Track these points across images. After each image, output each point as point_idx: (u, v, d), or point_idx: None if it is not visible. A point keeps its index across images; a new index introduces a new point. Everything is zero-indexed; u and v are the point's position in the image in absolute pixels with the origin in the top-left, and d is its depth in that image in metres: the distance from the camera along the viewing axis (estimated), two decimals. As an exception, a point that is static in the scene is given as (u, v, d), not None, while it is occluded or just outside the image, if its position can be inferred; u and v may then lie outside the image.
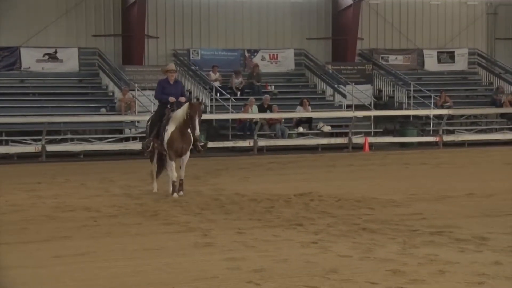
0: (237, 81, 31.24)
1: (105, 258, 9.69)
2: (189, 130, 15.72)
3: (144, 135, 18.61)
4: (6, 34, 30.30)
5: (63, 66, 30.76)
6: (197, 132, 15.45)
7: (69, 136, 27.57)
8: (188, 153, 16.02)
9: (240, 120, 28.89)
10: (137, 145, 26.22)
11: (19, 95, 29.46)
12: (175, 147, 15.69)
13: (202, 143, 16.80)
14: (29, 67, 30.34)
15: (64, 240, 10.92)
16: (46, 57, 30.56)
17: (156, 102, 18.04)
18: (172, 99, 15.98)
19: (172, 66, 17.09)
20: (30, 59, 30.33)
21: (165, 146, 15.76)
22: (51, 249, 10.25)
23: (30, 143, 26.45)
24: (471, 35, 36.76)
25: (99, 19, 31.91)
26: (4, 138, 26.73)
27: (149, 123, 16.72)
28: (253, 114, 28.72)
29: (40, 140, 26.01)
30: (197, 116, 15.34)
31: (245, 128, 28.78)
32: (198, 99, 15.63)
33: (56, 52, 30.71)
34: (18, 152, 26.04)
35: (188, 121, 15.42)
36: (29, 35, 30.64)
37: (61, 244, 10.60)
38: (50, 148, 26.12)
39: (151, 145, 16.08)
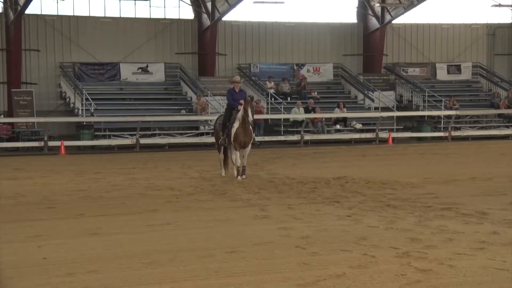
0: (284, 85, 31.22)
1: (185, 227, 9.75)
2: (250, 127, 15.80)
3: (213, 131, 18.61)
4: (109, 52, 30.73)
5: (153, 77, 31.00)
6: (250, 117, 15.60)
7: (157, 131, 27.78)
8: (250, 145, 16.05)
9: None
10: (209, 139, 26.44)
11: (119, 100, 29.75)
12: (239, 140, 15.73)
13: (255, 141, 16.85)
14: (126, 78, 30.63)
15: (153, 213, 11.01)
16: (140, 70, 30.83)
17: (225, 105, 18.08)
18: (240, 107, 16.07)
19: (237, 78, 17.03)
20: (127, 72, 30.63)
21: (232, 139, 15.81)
22: (143, 219, 10.33)
23: (127, 137, 26.74)
24: (474, 51, 36.27)
25: (180, 41, 32.12)
26: (108, 133, 27.08)
27: (219, 123, 16.70)
28: (300, 114, 28.67)
29: (135, 134, 26.29)
30: (249, 107, 15.55)
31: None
32: (251, 97, 15.71)
33: (147, 66, 30.98)
34: (118, 144, 26.33)
35: (246, 118, 15.52)
36: (126, 53, 30.99)
37: (151, 216, 10.68)
38: (143, 141, 26.40)
39: (226, 141, 16.13)
